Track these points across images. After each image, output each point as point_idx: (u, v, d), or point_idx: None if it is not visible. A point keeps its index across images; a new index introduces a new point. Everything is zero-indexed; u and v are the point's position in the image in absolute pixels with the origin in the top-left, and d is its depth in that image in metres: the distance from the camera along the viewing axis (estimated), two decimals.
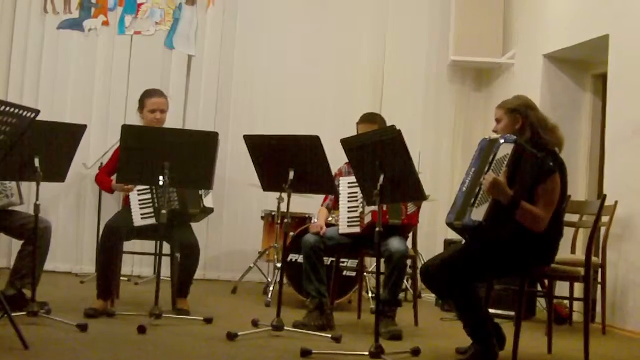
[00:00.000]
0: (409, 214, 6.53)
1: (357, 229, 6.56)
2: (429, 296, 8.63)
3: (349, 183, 6.62)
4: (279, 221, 8.21)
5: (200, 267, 7.03)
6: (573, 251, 7.46)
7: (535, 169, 4.98)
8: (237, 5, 9.92)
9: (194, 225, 6.89)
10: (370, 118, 6.84)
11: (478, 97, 10.22)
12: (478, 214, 4.95)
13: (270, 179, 6.05)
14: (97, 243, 8.69)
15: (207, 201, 6.75)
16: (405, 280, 7.59)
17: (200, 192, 6.67)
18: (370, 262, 8.42)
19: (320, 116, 9.67)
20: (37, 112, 5.05)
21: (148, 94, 6.95)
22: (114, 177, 6.61)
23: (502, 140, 5.04)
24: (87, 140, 8.27)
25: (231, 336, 5.58)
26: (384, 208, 6.28)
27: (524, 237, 5.02)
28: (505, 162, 4.93)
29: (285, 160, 5.85)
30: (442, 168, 9.92)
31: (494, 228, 4.96)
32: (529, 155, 4.98)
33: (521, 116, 5.25)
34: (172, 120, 7.22)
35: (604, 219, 6.88)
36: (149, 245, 8.59)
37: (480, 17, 9.58)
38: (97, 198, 9.25)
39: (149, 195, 6.57)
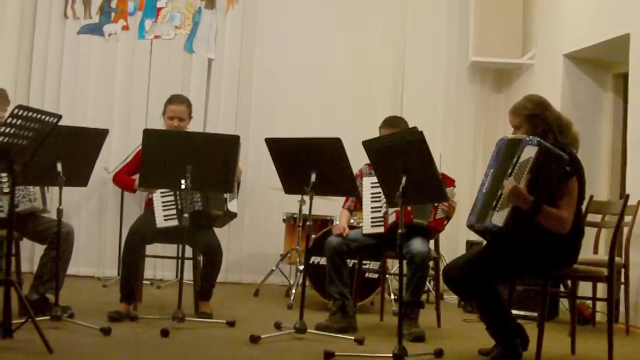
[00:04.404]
0: (437, 218, 6.52)
1: (381, 229, 6.54)
2: (451, 298, 8.61)
3: (372, 183, 6.59)
4: (300, 224, 8.22)
5: (223, 270, 7.03)
6: (596, 251, 7.43)
7: (560, 171, 4.94)
8: (256, 9, 9.93)
9: (216, 228, 6.90)
10: (393, 122, 6.78)
11: (498, 98, 10.18)
12: (499, 218, 4.93)
13: (292, 182, 6.06)
14: (119, 247, 8.74)
15: (232, 206, 6.75)
16: (427, 282, 7.58)
17: (225, 195, 6.68)
18: (393, 264, 8.41)
19: (340, 118, 9.65)
20: (60, 117, 5.09)
21: (169, 100, 7.00)
22: (136, 177, 6.65)
23: (527, 141, 4.97)
24: (108, 145, 8.29)
25: (254, 339, 5.58)
26: (409, 208, 6.28)
27: (546, 239, 5.00)
28: (528, 167, 4.88)
29: (307, 162, 5.86)
30: (463, 169, 9.86)
31: (515, 232, 4.95)
32: (554, 157, 4.93)
33: (541, 120, 5.21)
34: (193, 124, 7.24)
35: (627, 219, 6.85)
36: (171, 248, 8.62)
37: (499, 17, 9.55)
38: (119, 202, 9.29)
39: (172, 197, 6.59)
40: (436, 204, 6.43)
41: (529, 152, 4.92)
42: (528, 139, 4.98)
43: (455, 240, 9.46)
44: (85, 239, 9.37)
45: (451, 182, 6.61)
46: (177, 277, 8.72)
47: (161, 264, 9.46)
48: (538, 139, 4.96)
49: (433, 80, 10.10)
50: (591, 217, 7.09)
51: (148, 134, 6.09)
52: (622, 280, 7.06)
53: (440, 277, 6.03)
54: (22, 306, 5.32)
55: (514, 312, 5.90)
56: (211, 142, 6.24)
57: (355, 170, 6.07)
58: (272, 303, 8.02)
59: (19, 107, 4.81)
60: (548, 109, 5.27)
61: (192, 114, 7.06)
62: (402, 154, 5.16)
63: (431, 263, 6.69)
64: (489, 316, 5.19)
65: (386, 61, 10.07)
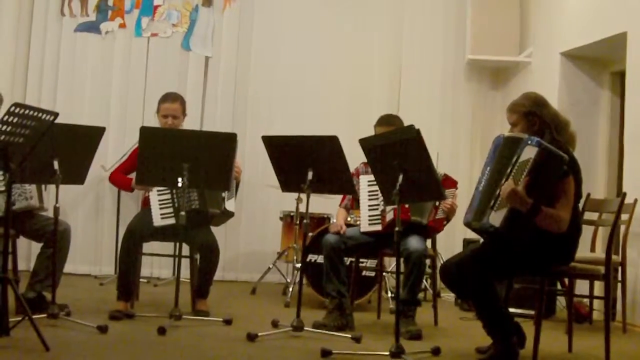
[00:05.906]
0: (437, 219, 6.51)
1: (378, 227, 6.53)
2: (448, 296, 8.60)
3: (369, 181, 6.58)
4: (297, 222, 8.21)
5: (219, 268, 7.02)
6: (593, 249, 7.43)
7: (559, 172, 4.93)
8: (253, 6, 9.93)
9: (213, 226, 6.89)
10: (388, 120, 6.76)
11: (495, 96, 10.19)
12: (496, 218, 4.92)
13: (289, 180, 6.05)
14: (116, 245, 8.73)
15: (229, 205, 6.74)
16: (424, 280, 7.57)
17: (223, 194, 6.67)
18: (390, 262, 8.41)
19: (337, 116, 9.65)
20: (56, 115, 5.08)
21: (162, 98, 7.00)
22: (132, 175, 6.64)
23: (527, 140, 4.94)
24: (105, 143, 8.22)
25: (251, 337, 5.58)
26: (406, 206, 6.27)
27: (543, 237, 4.98)
28: (528, 168, 4.86)
29: (304, 160, 5.85)
30: (461, 167, 9.83)
31: (512, 232, 4.95)
32: (554, 158, 4.91)
33: (537, 118, 5.21)
34: (189, 122, 7.24)
35: (624, 217, 6.84)
36: (168, 246, 8.60)
37: (496, 15, 9.55)
38: (115, 200, 9.28)
39: (169, 196, 6.59)
40: (437, 204, 6.44)
41: (529, 153, 4.89)
42: (528, 139, 4.96)
43: (452, 239, 9.43)
44: (82, 237, 9.38)
45: (454, 184, 6.62)
46: (174, 275, 8.70)
47: (158, 262, 9.45)
48: (538, 139, 4.93)
49: (430, 78, 10.10)
50: (588, 215, 7.10)
51: (145, 131, 6.09)
52: (619, 278, 7.06)
53: (437, 275, 6.01)
54: (19, 304, 5.32)
55: (511, 310, 5.90)
56: (208, 140, 6.24)
57: (351, 168, 6.06)
58: (269, 301, 8.01)
59: (16, 104, 4.80)
60: (545, 106, 5.26)
61: (186, 111, 7.04)
62: (399, 152, 5.15)
63: (428, 261, 6.69)
64: (485, 314, 5.18)
65: (383, 59, 10.07)
